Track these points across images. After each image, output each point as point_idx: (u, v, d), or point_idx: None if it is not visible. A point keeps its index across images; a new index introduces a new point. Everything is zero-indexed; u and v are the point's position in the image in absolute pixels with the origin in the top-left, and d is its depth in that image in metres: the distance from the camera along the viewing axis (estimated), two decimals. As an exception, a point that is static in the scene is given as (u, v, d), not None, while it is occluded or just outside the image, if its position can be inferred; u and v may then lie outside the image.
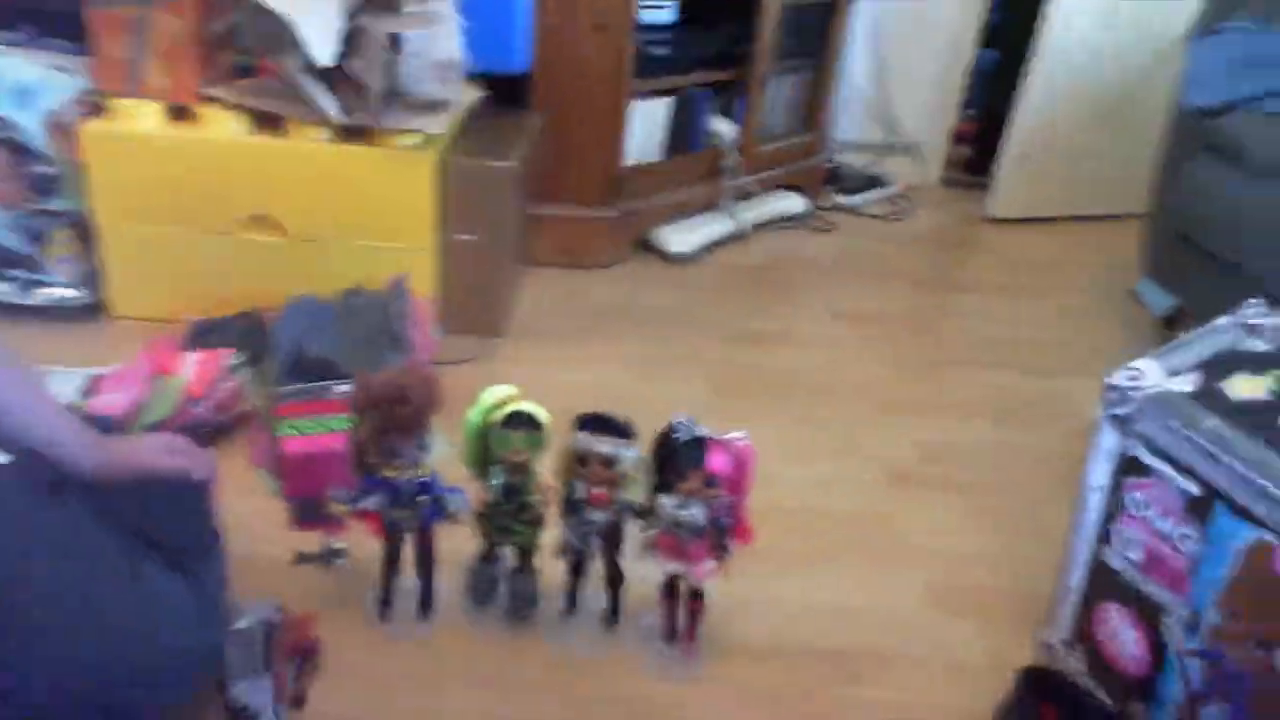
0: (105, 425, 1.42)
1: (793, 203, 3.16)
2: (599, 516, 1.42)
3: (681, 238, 2.82)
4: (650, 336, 2.40)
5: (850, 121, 3.52)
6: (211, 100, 2.07)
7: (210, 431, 1.87)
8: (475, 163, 2.19)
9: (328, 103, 2.00)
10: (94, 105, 2.09)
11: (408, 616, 1.51)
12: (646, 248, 2.83)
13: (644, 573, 1.45)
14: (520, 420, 1.39)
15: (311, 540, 1.57)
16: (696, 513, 1.37)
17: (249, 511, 1.66)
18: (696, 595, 1.45)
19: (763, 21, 2.80)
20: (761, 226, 3.04)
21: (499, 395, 1.43)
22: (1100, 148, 3.25)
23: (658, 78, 2.67)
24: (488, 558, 1.51)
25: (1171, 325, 2.47)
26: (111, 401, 1.76)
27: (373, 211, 2.13)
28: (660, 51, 2.64)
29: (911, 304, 2.73)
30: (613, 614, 1.52)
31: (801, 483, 1.88)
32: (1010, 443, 2.09)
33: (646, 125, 2.72)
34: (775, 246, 2.99)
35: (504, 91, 2.61)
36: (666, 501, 1.39)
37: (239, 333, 2.07)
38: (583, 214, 2.67)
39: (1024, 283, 2.92)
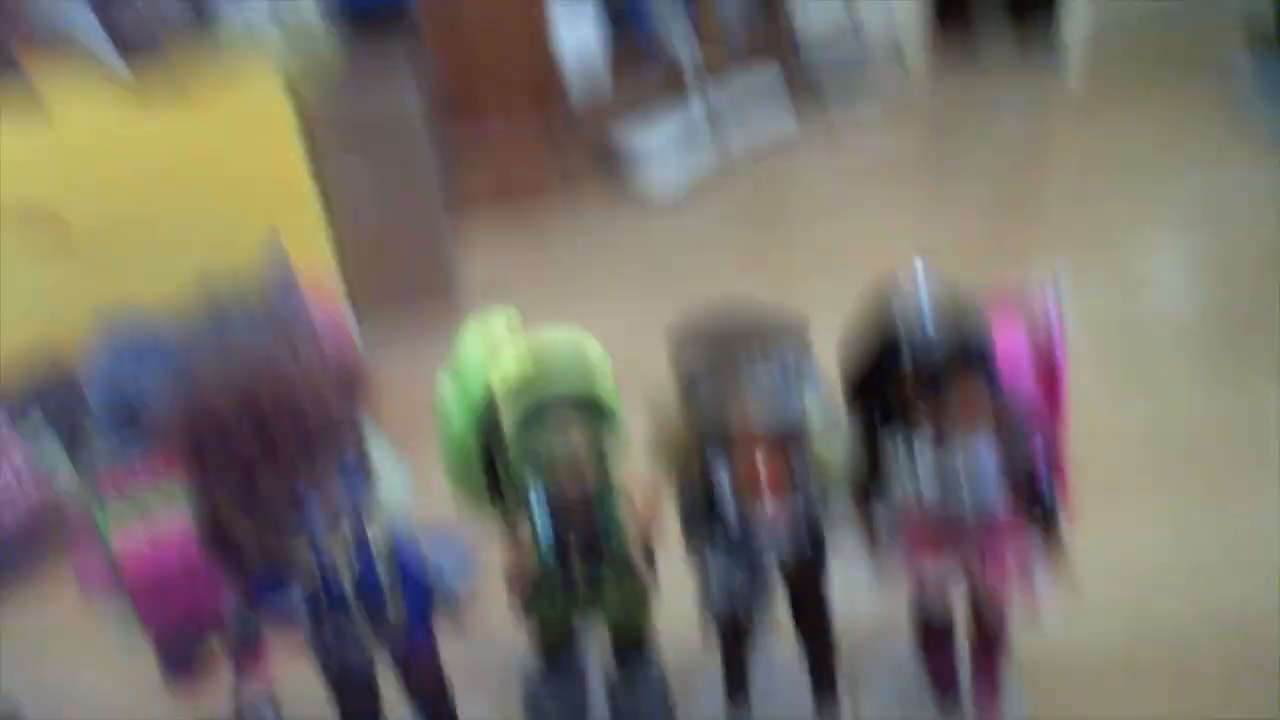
0: None
1: (776, 114, 2.47)
2: (771, 533, 0.67)
3: (660, 177, 2.10)
4: (661, 282, 1.67)
5: (809, 13, 2.86)
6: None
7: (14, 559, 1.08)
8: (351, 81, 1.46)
9: (107, 52, 1.25)
10: None
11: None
12: (611, 177, 2.10)
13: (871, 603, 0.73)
14: (567, 415, 0.65)
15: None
16: (983, 460, 0.64)
17: (97, 683, 0.90)
18: (989, 634, 0.72)
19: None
20: (750, 154, 2.34)
21: (504, 343, 0.69)
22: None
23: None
24: (556, 658, 0.75)
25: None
26: None
27: (218, 179, 1.36)
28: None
29: (982, 187, 2.03)
30: (825, 695, 0.77)
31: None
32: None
33: (577, 30, 2.01)
34: (777, 168, 2.28)
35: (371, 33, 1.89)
36: (903, 453, 0.66)
37: (41, 400, 1.28)
38: (517, 129, 1.94)
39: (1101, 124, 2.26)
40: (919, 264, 0.62)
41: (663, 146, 2.16)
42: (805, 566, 0.70)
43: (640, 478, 0.69)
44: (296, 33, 1.51)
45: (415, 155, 1.54)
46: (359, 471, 0.64)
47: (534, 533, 0.67)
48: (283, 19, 1.41)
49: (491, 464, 0.70)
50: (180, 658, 0.89)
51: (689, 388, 0.64)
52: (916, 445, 0.65)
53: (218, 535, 0.64)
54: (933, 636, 0.75)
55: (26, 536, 1.12)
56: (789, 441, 0.63)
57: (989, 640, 0.73)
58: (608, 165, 2.09)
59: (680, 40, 2.21)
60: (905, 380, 0.64)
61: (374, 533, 0.65)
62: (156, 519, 0.96)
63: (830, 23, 2.88)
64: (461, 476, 0.71)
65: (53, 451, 1.20)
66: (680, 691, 0.77)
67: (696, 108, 2.26)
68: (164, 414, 0.60)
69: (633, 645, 0.74)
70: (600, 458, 0.66)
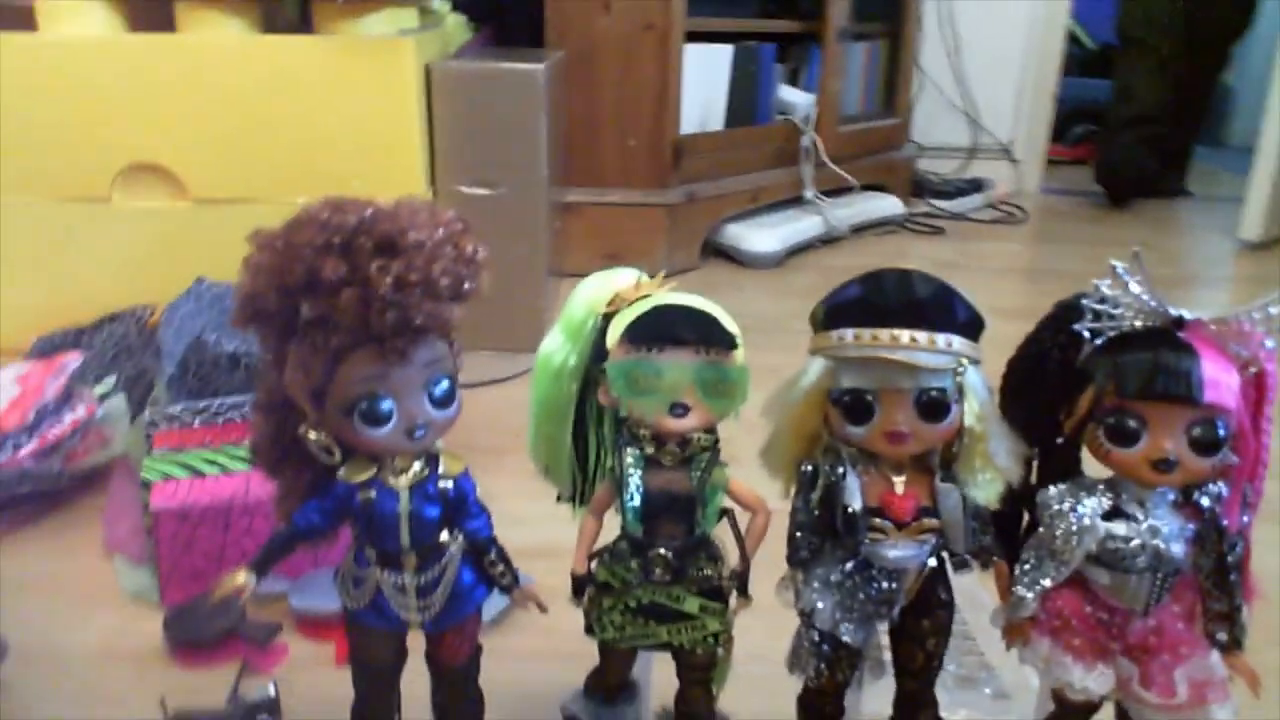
0: None
1: (887, 203, 2.42)
2: (901, 558, 0.57)
3: (760, 235, 2.05)
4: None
5: (925, 119, 2.84)
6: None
7: (35, 501, 1.02)
8: (485, 67, 1.43)
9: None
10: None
11: None
12: (713, 253, 2.06)
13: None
14: (681, 331, 0.57)
15: (203, 685, 0.73)
16: (1166, 532, 0.54)
17: (89, 647, 0.83)
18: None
19: (838, -44, 2.13)
20: (855, 231, 2.28)
21: (619, 285, 0.61)
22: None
23: (712, 15, 1.95)
24: (611, 679, 0.65)
25: None
26: None
27: (322, 148, 1.34)
28: (718, -27, 1.94)
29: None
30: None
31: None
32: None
33: (705, 79, 1.98)
34: (881, 250, 2.22)
35: (505, 30, 1.91)
36: (1067, 501, 0.56)
37: (108, 345, 1.24)
38: (630, 199, 1.90)
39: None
40: (1119, 264, 0.53)
41: (766, 222, 2.12)
42: (925, 613, 0.60)
43: (749, 488, 0.61)
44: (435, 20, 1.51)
45: (534, 203, 1.49)
46: (447, 388, 0.55)
47: (628, 509, 0.58)
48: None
49: (583, 427, 0.62)
50: (187, 624, 0.81)
51: (837, 345, 0.56)
52: (1084, 499, 0.55)
53: (276, 431, 0.56)
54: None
55: (69, 463, 1.06)
56: (940, 409, 0.54)
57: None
58: (713, 251, 2.06)
59: (801, 121, 2.19)
60: (1081, 398, 0.54)
61: (446, 484, 0.57)
62: (201, 482, 0.91)
63: (947, 119, 2.86)
64: (547, 437, 0.63)
65: (119, 412, 1.16)
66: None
67: (811, 195, 2.23)
68: (249, 262, 0.53)
69: (701, 691, 0.64)
70: (715, 405, 0.57)
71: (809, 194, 2.21)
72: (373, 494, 0.55)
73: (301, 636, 0.83)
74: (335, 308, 0.51)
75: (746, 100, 2.11)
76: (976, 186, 2.72)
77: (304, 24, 1.36)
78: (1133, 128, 2.66)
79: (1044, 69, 2.85)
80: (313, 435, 0.54)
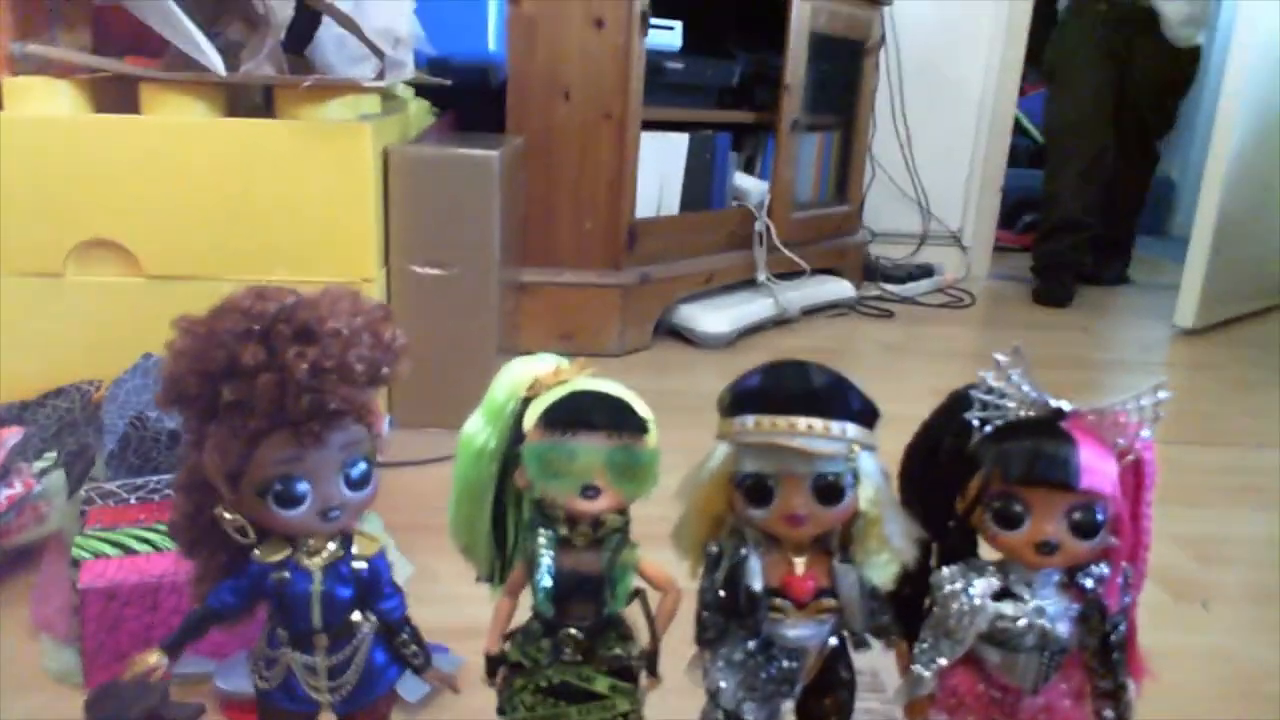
0: None
1: (838, 287, 2.48)
2: (801, 637, 0.59)
3: (713, 316, 2.09)
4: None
5: (878, 207, 2.93)
6: (31, 65, 1.33)
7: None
8: (441, 152, 1.47)
9: (207, 51, 1.28)
10: None
11: None
12: (666, 333, 2.09)
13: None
14: (593, 416, 0.59)
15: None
16: (1051, 612, 0.57)
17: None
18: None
19: (790, 53, 2.22)
20: (806, 313, 2.34)
21: (539, 370, 0.64)
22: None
23: (669, 106, 2.03)
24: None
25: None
26: None
27: (278, 227, 1.37)
28: (674, 66, 2.02)
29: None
30: None
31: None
32: None
33: (662, 166, 2.05)
34: (831, 332, 2.27)
35: (468, 115, 1.97)
36: (959, 582, 0.58)
37: (51, 420, 1.25)
38: (585, 280, 1.94)
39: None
40: (1003, 355, 0.57)
41: (718, 303, 2.17)
42: (827, 692, 0.61)
43: (659, 569, 0.62)
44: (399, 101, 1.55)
45: (486, 283, 1.51)
46: (363, 470, 0.57)
47: (539, 589, 0.59)
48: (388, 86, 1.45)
49: (501, 508, 0.64)
50: (107, 706, 0.81)
51: (735, 432, 0.58)
52: (975, 580, 0.58)
53: (195, 511, 0.57)
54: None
55: (4, 563, 1.06)
56: (835, 493, 0.57)
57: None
58: (666, 331, 2.11)
59: (754, 207, 2.26)
60: (970, 484, 0.57)
61: (360, 565, 0.58)
62: (131, 560, 0.90)
63: (899, 207, 2.96)
64: (466, 517, 0.64)
65: (56, 488, 1.15)
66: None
67: (764, 279, 2.28)
68: (172, 347, 0.55)
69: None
70: (626, 486, 0.59)
71: (761, 277, 2.26)
72: (286, 574, 0.56)
73: (226, 719, 0.83)
74: (253, 392, 0.53)
75: (702, 186, 2.17)
76: (926, 272, 2.80)
77: (268, 108, 1.40)
78: (1059, 234, 2.73)
79: (992, 161, 2.97)
80: (227, 516, 0.55)
